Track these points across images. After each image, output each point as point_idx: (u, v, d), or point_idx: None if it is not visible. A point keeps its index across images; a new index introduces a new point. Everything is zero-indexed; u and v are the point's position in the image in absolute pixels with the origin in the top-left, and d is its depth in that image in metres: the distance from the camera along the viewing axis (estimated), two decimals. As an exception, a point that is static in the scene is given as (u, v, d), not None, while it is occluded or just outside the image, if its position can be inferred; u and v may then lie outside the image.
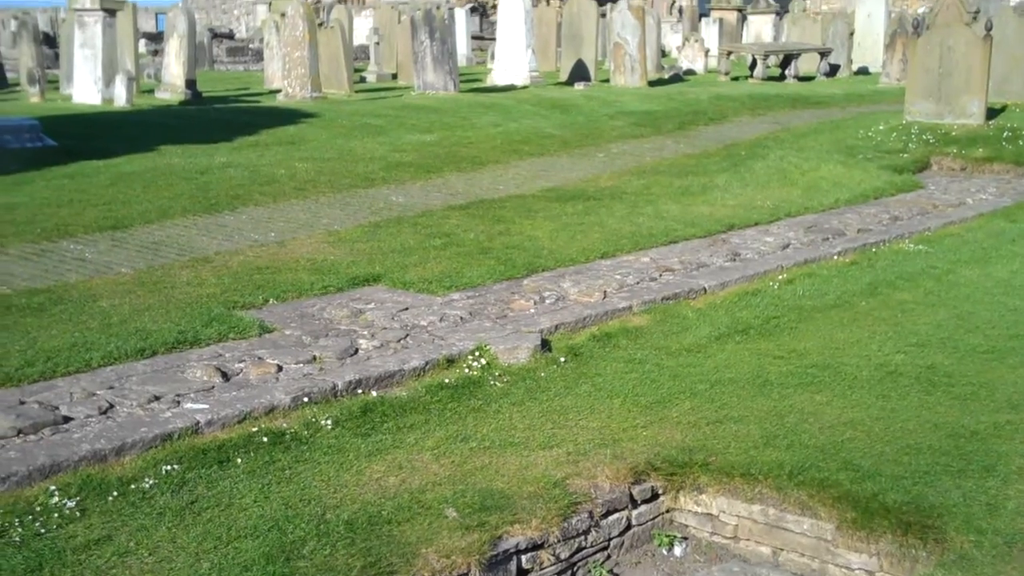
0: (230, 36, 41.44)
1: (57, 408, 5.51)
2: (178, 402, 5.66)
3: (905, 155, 14.73)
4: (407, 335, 6.99)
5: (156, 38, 38.76)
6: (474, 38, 37.97)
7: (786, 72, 26.82)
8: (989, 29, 15.97)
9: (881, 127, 16.30)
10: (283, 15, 21.32)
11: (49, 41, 33.50)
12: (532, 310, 7.64)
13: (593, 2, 25.36)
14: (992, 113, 16.41)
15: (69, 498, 4.67)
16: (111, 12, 18.73)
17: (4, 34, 34.09)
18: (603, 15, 28.30)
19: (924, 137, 15.45)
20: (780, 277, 8.75)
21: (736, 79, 26.45)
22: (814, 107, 20.51)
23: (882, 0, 29.33)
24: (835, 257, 9.47)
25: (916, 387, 6.34)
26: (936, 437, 5.58)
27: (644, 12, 24.69)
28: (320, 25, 22.34)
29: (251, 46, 35.99)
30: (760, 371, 6.63)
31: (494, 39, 27.46)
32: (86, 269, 8.33)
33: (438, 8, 21.20)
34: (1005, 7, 19.81)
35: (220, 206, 10.66)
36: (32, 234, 9.27)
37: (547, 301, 7.84)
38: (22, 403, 5.56)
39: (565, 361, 6.71)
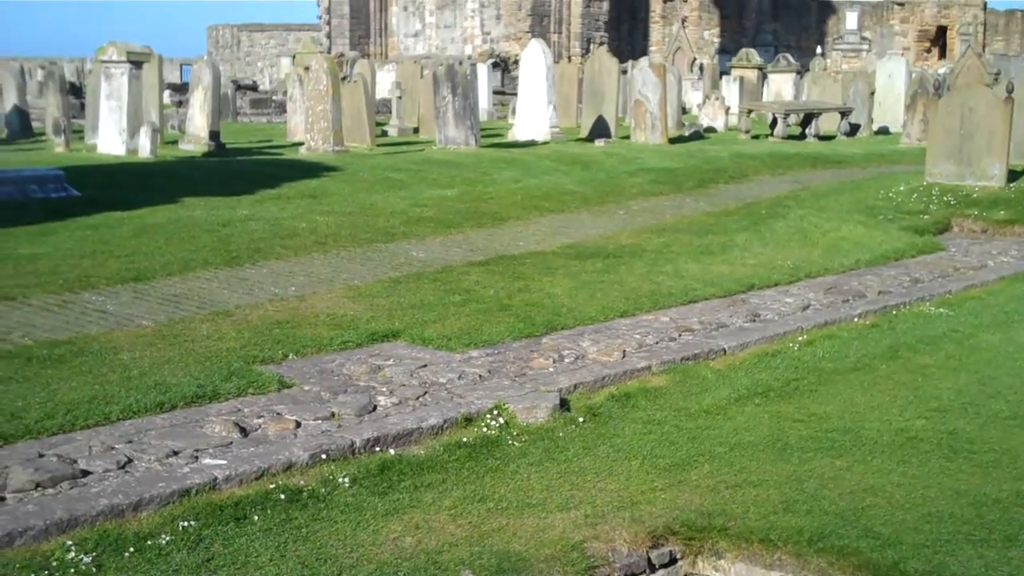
0: (254, 88, 41.79)
1: (76, 461, 5.51)
2: (196, 457, 5.66)
3: (926, 216, 14.73)
4: (426, 392, 6.99)
5: (181, 89, 39.11)
6: (496, 92, 38.19)
7: (806, 131, 26.89)
8: (1010, 92, 15.99)
9: (902, 188, 16.30)
10: (307, 69, 21.49)
11: (75, 91, 33.84)
12: (551, 369, 7.63)
13: (614, 59, 25.53)
14: (1013, 175, 16.39)
15: (86, 553, 4.67)
16: (137, 64, 18.93)
17: (31, 83, 34.46)
18: (624, 72, 28.46)
19: (945, 198, 15.45)
20: (800, 339, 8.73)
21: (756, 137, 26.52)
22: (835, 167, 20.53)
23: (902, 60, 29.44)
24: (855, 319, 9.44)
25: (937, 453, 6.30)
26: (958, 505, 5.54)
27: (665, 70, 24.82)
28: (343, 79, 22.51)
29: (274, 98, 36.28)
30: (780, 435, 6.60)
31: (515, 94, 27.64)
32: (107, 321, 8.36)
33: (460, 64, 21.35)
34: (1026, 70, 19.84)
35: (241, 259, 10.69)
36: (54, 285, 9.31)
37: (566, 360, 7.84)
38: (41, 456, 5.57)
39: (584, 421, 6.70)
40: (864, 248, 12.47)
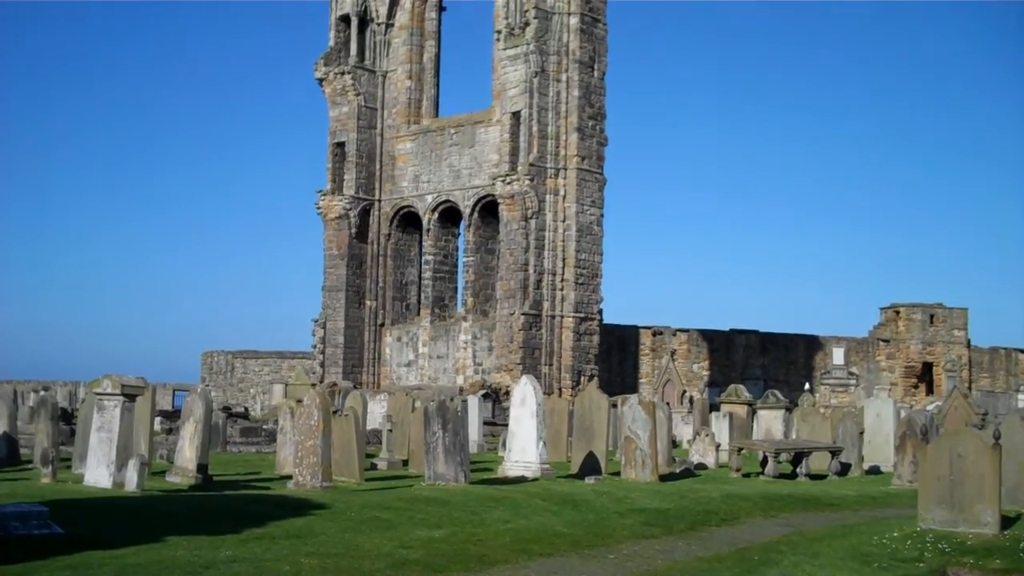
0: (245, 416, 42.12)
1: None
2: None
3: (921, 564, 14.47)
4: None
5: (172, 416, 39.35)
6: (486, 423, 38.42)
7: (797, 469, 26.87)
8: (998, 438, 16.06)
9: (895, 534, 16.10)
10: (299, 402, 21.69)
11: (66, 416, 34.01)
12: None
13: (604, 395, 25.83)
14: (1007, 522, 16.23)
15: None
16: (131, 397, 19.07)
17: (23, 409, 34.65)
18: (614, 406, 28.72)
19: (939, 546, 15.23)
20: None
21: (747, 475, 26.48)
22: (827, 509, 20.39)
23: (890, 401, 29.73)
24: None
25: None
26: None
27: (655, 407, 25.05)
28: (335, 412, 22.66)
29: (265, 427, 36.49)
30: None
31: (506, 425, 27.77)
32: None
33: (451, 400, 21.54)
34: (1012, 413, 20.02)
35: (221, 607, 10.44)
36: (26, 634, 9.05)
37: None
38: None
39: None
40: (860, 600, 12.21)
